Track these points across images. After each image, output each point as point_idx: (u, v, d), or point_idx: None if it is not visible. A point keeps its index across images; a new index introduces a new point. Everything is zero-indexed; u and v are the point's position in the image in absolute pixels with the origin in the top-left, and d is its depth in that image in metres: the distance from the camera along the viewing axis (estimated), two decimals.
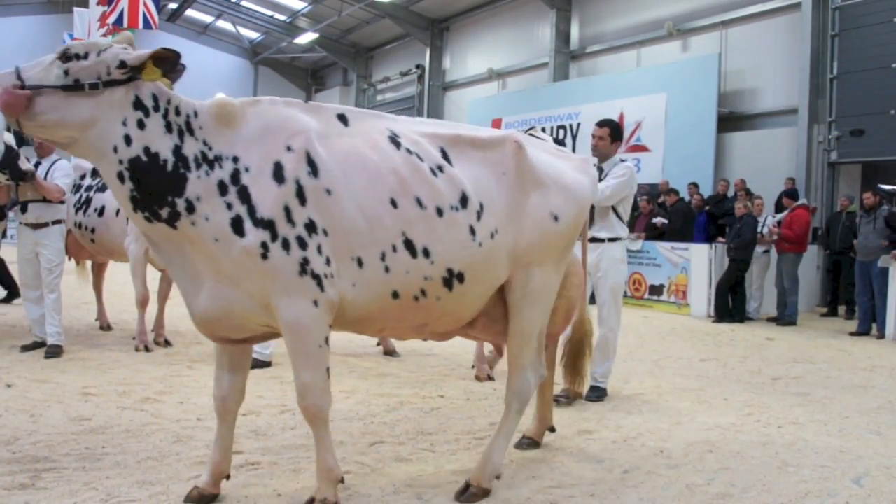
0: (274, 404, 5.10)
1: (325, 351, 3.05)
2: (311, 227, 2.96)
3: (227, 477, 3.45)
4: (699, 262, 11.63)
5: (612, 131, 5.72)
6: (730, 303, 11.09)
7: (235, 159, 2.98)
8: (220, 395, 3.39)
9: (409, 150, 3.24)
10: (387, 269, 3.09)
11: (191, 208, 2.94)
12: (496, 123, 20.44)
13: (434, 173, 3.25)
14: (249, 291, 2.97)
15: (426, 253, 3.17)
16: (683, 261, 11.83)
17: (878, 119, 12.80)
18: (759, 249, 11.25)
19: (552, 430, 4.44)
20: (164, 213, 2.94)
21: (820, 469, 4.17)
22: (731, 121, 15.32)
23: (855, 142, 13.25)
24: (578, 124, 17.73)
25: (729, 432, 4.87)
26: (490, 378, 6.15)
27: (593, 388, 5.57)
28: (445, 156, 3.36)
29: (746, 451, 4.44)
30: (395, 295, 3.15)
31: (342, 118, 3.23)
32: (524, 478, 3.83)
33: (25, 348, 6.52)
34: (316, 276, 2.95)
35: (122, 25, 13.11)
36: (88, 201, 7.14)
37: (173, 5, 27.52)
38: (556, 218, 3.56)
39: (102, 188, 7.11)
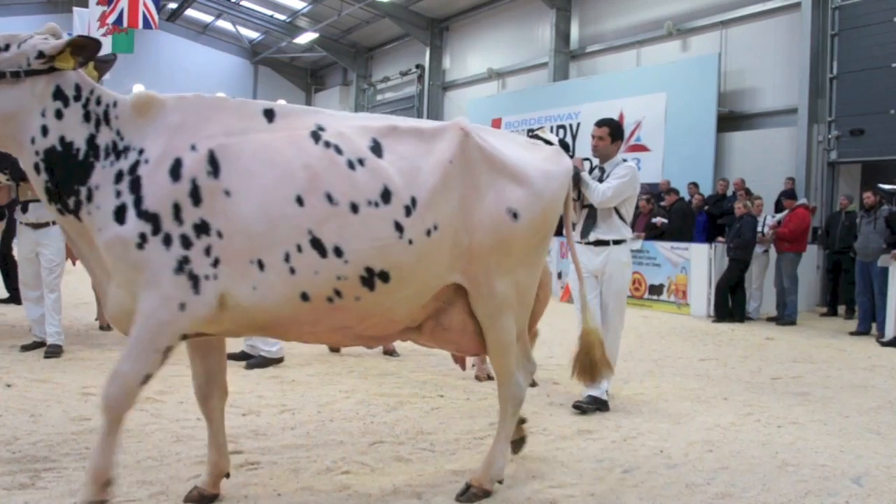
0: (274, 404, 5.10)
1: (158, 358, 2.87)
2: (201, 227, 2.85)
3: (227, 475, 3.44)
4: (699, 262, 11.64)
5: (612, 130, 5.61)
6: (730, 303, 11.09)
7: (141, 151, 2.90)
8: (202, 396, 3.38)
9: (327, 144, 3.06)
10: (292, 271, 2.92)
11: (90, 197, 2.88)
12: (496, 123, 20.44)
13: (352, 167, 3.05)
14: (125, 284, 2.87)
15: (338, 251, 2.97)
16: (683, 260, 11.83)
17: (878, 119, 12.80)
18: (758, 249, 11.25)
19: (524, 440, 4.09)
20: (71, 202, 2.90)
21: (820, 468, 4.17)
22: (730, 120, 15.32)
23: (855, 141, 13.25)
24: (578, 124, 17.73)
25: (729, 432, 4.87)
26: (490, 378, 6.13)
27: (590, 398, 5.31)
28: (377, 147, 3.14)
29: (746, 451, 4.44)
30: (305, 297, 2.97)
31: (268, 114, 3.10)
32: (524, 478, 3.83)
33: (25, 348, 6.52)
34: (194, 277, 2.83)
35: (121, 25, 13.12)
36: None
37: (173, 5, 27.51)
38: (514, 215, 3.30)
39: None
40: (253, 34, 30.51)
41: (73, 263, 7.97)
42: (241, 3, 27.73)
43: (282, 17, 27.81)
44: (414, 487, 3.62)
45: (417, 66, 25.03)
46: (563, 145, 5.76)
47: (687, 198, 13.50)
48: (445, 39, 24.38)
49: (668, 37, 16.67)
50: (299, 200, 2.94)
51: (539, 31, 20.41)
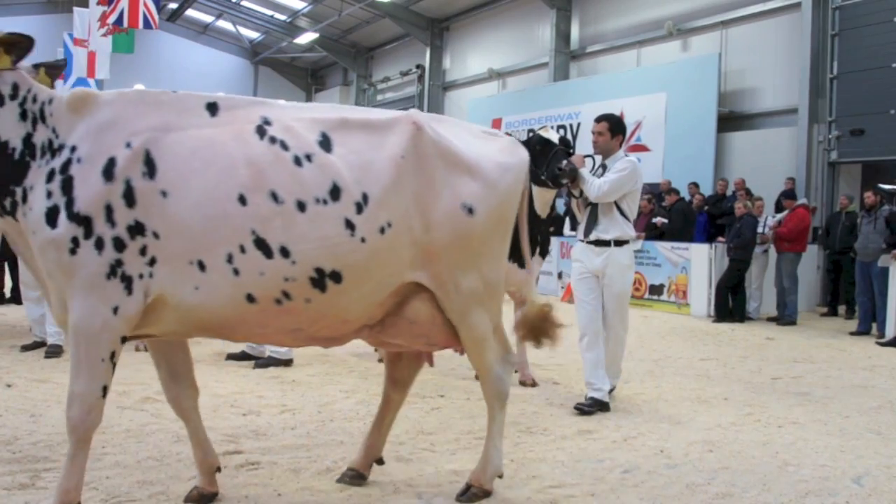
0: (274, 404, 5.10)
1: (106, 367, 2.85)
2: (136, 229, 2.76)
3: (219, 469, 3.43)
4: (699, 262, 11.63)
5: (612, 125, 5.47)
6: (730, 303, 11.09)
7: (73, 149, 2.80)
8: (171, 398, 3.38)
9: (273, 139, 2.93)
10: (236, 272, 2.82)
11: (24, 198, 2.81)
12: (496, 123, 20.44)
13: (299, 163, 2.92)
14: (58, 290, 2.80)
15: (284, 252, 2.85)
16: (683, 260, 11.83)
17: (878, 119, 12.80)
18: (757, 249, 11.25)
19: (380, 461, 3.75)
20: (8, 203, 2.83)
21: (820, 468, 4.17)
22: (731, 120, 15.31)
23: (855, 141, 13.25)
24: (579, 124, 17.72)
25: (729, 432, 4.87)
26: (534, 384, 6.07)
27: (591, 400, 5.24)
28: (326, 142, 3.01)
29: (746, 451, 4.44)
30: (251, 298, 2.86)
31: (211, 107, 2.98)
32: (524, 478, 3.83)
33: (25, 348, 6.52)
34: (127, 279, 2.75)
35: (122, 25, 13.11)
36: None
37: (173, 5, 27.51)
38: (470, 210, 3.16)
39: None
40: (253, 34, 30.52)
41: None
42: (242, 3, 27.73)
43: (282, 17, 27.81)
44: (414, 487, 3.62)
45: (418, 67, 25.04)
46: (565, 143, 5.75)
47: (687, 198, 13.50)
48: (446, 39, 24.38)
49: (668, 37, 16.66)
50: (242, 199, 2.83)
51: (539, 31, 20.41)
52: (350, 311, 3.07)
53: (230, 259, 2.82)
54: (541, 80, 20.03)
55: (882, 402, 5.97)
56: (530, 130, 18.16)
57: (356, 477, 3.63)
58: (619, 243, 5.31)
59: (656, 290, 12.18)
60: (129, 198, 2.76)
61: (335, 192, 2.94)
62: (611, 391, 5.46)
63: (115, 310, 2.77)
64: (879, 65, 12.73)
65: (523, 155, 3.50)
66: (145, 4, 12.82)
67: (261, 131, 2.95)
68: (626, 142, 16.46)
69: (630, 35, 17.73)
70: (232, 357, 6.61)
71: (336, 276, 2.94)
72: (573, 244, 12.81)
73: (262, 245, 2.84)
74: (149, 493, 3.39)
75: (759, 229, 11.14)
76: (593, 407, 5.23)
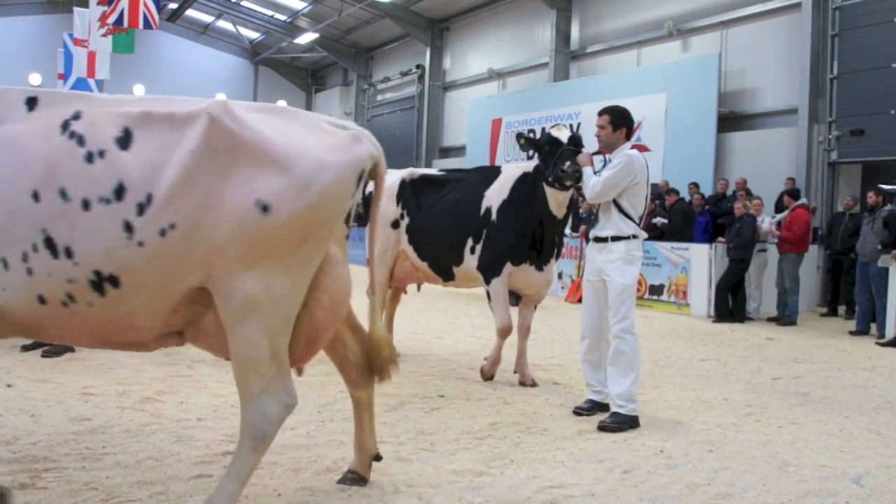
0: None
1: None
2: None
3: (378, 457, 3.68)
4: (699, 262, 11.63)
5: (613, 118, 5.18)
6: (730, 303, 11.09)
7: None
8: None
9: (72, 134, 2.80)
10: (29, 271, 2.73)
11: None
12: (496, 123, 20.47)
13: (90, 160, 2.77)
14: None
15: (68, 252, 2.73)
16: (683, 261, 11.83)
17: (879, 119, 12.80)
18: (755, 249, 11.25)
19: (378, 458, 3.68)
20: None
21: (820, 469, 4.17)
22: (731, 121, 15.31)
23: (855, 142, 13.25)
24: (579, 124, 17.69)
25: (729, 432, 4.87)
26: (534, 384, 6.01)
27: (613, 414, 4.91)
28: (126, 137, 2.82)
29: (746, 451, 4.44)
30: (42, 300, 2.77)
31: (30, 102, 2.91)
32: (524, 478, 3.83)
33: (25, 348, 6.52)
34: None
35: (122, 25, 13.12)
36: None
37: (173, 5, 27.54)
38: (265, 208, 2.79)
39: None
40: (253, 34, 30.53)
41: None
42: (242, 3, 27.75)
43: (282, 17, 27.83)
44: (414, 487, 3.62)
45: (418, 67, 25.04)
46: (575, 141, 5.58)
47: (687, 198, 13.49)
48: (446, 39, 24.38)
49: (668, 37, 16.66)
50: (35, 196, 2.74)
51: (539, 31, 20.41)
52: (137, 317, 2.88)
53: (25, 258, 2.75)
54: (541, 80, 20.03)
55: (882, 403, 5.97)
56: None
57: (357, 479, 3.61)
58: (616, 239, 5.07)
59: (656, 290, 12.18)
60: None
61: (119, 192, 2.76)
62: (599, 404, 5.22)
63: None
64: (879, 65, 12.73)
65: (359, 152, 3.03)
66: (145, 4, 12.83)
67: (65, 126, 2.84)
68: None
69: (630, 35, 17.73)
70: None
71: (114, 281, 2.78)
72: (574, 244, 12.86)
73: (50, 244, 2.74)
74: (149, 493, 3.39)
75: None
76: (592, 410, 5.18)
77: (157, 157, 2.80)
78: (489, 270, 6.03)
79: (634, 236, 5.09)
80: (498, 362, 6.16)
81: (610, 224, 5.10)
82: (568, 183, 5.48)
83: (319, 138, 2.99)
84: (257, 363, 2.91)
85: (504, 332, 6.07)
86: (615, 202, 5.08)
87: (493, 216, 6.05)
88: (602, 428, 4.79)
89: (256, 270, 2.83)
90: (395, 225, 6.74)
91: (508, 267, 5.95)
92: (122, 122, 2.86)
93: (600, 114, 5.29)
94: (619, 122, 5.20)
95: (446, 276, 6.51)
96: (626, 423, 4.81)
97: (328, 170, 2.90)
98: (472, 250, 6.17)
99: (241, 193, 2.81)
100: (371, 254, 3.42)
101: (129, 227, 2.75)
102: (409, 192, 6.70)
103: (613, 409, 4.93)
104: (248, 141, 2.85)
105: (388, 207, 6.75)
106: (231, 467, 3.02)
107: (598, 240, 5.16)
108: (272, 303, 2.87)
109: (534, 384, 6.02)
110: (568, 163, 5.35)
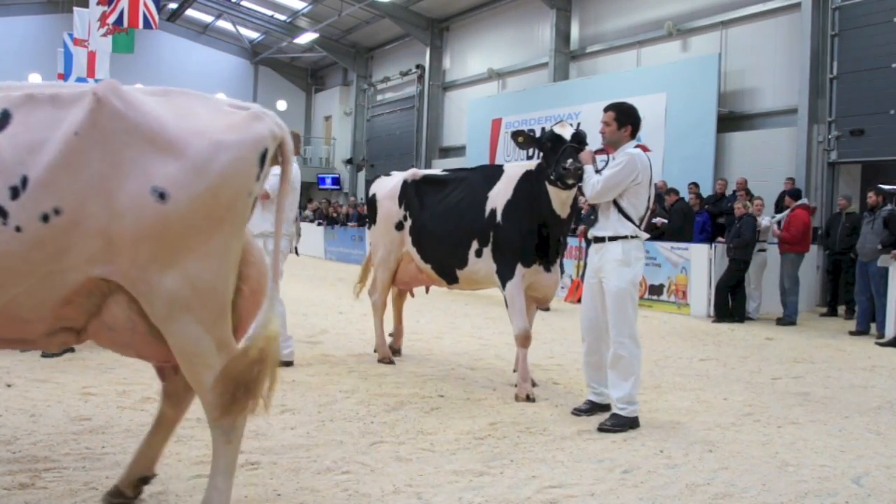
0: (274, 404, 5.08)
1: None
2: None
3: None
4: (699, 262, 11.63)
5: (618, 115, 5.06)
6: (729, 303, 11.09)
7: None
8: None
9: None
10: None
11: None
12: (496, 123, 20.47)
13: None
14: None
15: None
16: (683, 261, 11.83)
17: (878, 119, 12.79)
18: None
19: (146, 481, 3.35)
20: None
21: (820, 469, 4.17)
22: (730, 121, 15.31)
23: (855, 142, 13.25)
24: (578, 124, 17.68)
25: (729, 432, 4.87)
26: (530, 399, 5.57)
27: (612, 416, 4.86)
28: (3, 118, 2.65)
29: (746, 451, 4.45)
30: None
31: None
32: (524, 478, 3.83)
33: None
34: None
35: (122, 25, 13.12)
36: None
37: (173, 5, 27.55)
38: (161, 195, 2.64)
39: None
40: (253, 34, 30.55)
41: None
42: (242, 3, 27.77)
43: (282, 17, 27.84)
44: (414, 487, 3.62)
45: (417, 67, 25.04)
46: (579, 139, 5.40)
47: (687, 198, 13.49)
48: (445, 39, 24.38)
49: (668, 37, 16.67)
50: None
51: (539, 31, 20.41)
52: (22, 308, 2.71)
53: None
54: (541, 80, 20.04)
55: (882, 403, 5.97)
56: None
57: (116, 495, 3.25)
58: (614, 240, 4.93)
59: (656, 290, 12.18)
60: None
61: None
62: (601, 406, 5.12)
63: None
64: (879, 65, 12.72)
65: (259, 130, 2.83)
66: (145, 4, 12.83)
67: None
68: None
69: (630, 35, 17.74)
70: None
71: None
72: (573, 244, 12.84)
73: None
74: (148, 492, 3.39)
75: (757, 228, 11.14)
76: (591, 411, 5.13)
77: (34, 137, 2.63)
78: (502, 274, 5.81)
79: (633, 237, 4.95)
80: (527, 379, 5.69)
81: (608, 224, 4.99)
82: (570, 181, 5.30)
83: (216, 119, 2.83)
84: (203, 356, 2.81)
85: (523, 341, 5.72)
86: (615, 202, 4.95)
87: (499, 218, 5.86)
88: (602, 429, 4.75)
89: (172, 264, 2.71)
90: (399, 227, 6.66)
91: (521, 269, 5.72)
92: (2, 104, 2.68)
93: (605, 110, 5.17)
94: (623, 119, 5.07)
95: (450, 279, 6.35)
96: (626, 424, 4.78)
97: (226, 150, 2.75)
98: (478, 253, 5.99)
99: (137, 181, 2.66)
100: (276, 252, 3.18)
101: (2, 213, 2.56)
102: (412, 193, 6.60)
103: (614, 410, 4.88)
104: (139, 123, 2.69)
105: (391, 208, 6.70)
106: (214, 466, 2.97)
107: (596, 240, 5.07)
108: (200, 297, 2.76)
109: (533, 384, 5.82)
110: (570, 160, 5.18)
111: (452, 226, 6.19)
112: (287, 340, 6.45)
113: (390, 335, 7.18)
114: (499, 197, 5.93)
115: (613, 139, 5.09)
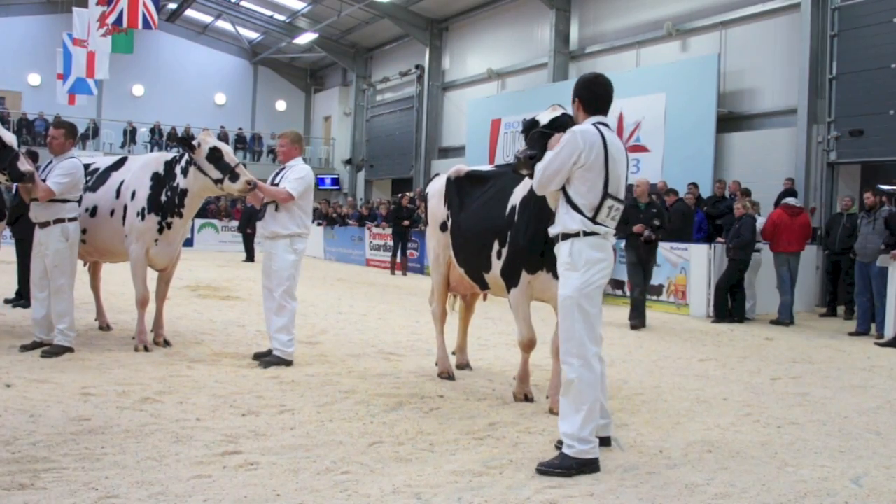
0: (273, 404, 5.09)
1: None
2: None
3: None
4: (698, 263, 11.63)
5: (575, 89, 4.24)
6: (729, 303, 11.09)
7: None
8: None
9: None
10: None
11: None
12: (495, 124, 20.47)
13: None
14: None
15: None
16: (683, 261, 11.83)
17: (878, 119, 12.80)
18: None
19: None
20: None
21: (819, 469, 4.17)
22: (730, 121, 15.32)
23: (854, 142, 13.26)
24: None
25: (728, 432, 4.87)
26: (528, 399, 5.49)
27: (560, 455, 3.96)
28: None
29: (746, 451, 4.45)
30: None
31: None
32: (524, 478, 3.83)
33: (24, 348, 6.51)
34: None
35: (121, 25, 13.14)
36: (79, 201, 6.80)
37: (173, 5, 27.54)
38: None
39: (93, 188, 7.00)
40: (253, 34, 30.55)
41: (84, 264, 7.98)
42: (241, 3, 27.78)
43: (281, 17, 27.85)
44: (413, 487, 3.62)
45: (417, 67, 25.05)
46: (558, 124, 4.61)
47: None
48: (445, 40, 24.39)
49: (667, 37, 16.68)
50: None
51: (539, 31, 20.42)
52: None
53: None
54: (540, 80, 20.05)
55: (881, 403, 5.97)
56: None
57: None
58: (566, 237, 4.09)
59: (655, 290, 12.17)
60: None
61: None
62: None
63: None
64: (879, 65, 12.73)
65: None
66: (144, 4, 12.84)
67: None
68: (626, 142, 16.53)
69: (629, 35, 17.75)
70: (259, 356, 6.58)
71: None
72: None
73: None
74: (148, 493, 3.39)
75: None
76: (548, 465, 3.97)
77: None
78: (507, 280, 5.31)
79: (587, 233, 4.05)
80: (526, 381, 5.53)
81: (558, 218, 4.18)
82: (523, 171, 4.53)
83: None
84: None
85: (526, 347, 5.42)
86: (564, 191, 4.13)
87: (516, 216, 5.24)
88: (540, 470, 3.89)
89: None
90: (443, 227, 6.10)
91: (525, 276, 5.16)
92: None
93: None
94: (574, 92, 4.25)
95: (481, 284, 5.79)
96: (572, 467, 3.85)
97: None
98: (499, 255, 5.38)
99: None
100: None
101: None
102: (454, 192, 6.01)
103: (563, 448, 3.97)
104: None
105: (437, 208, 6.19)
106: None
107: (555, 240, 4.24)
108: None
109: (526, 399, 5.53)
110: (522, 148, 4.52)
111: (479, 226, 5.60)
112: (293, 339, 6.47)
113: (453, 353, 6.61)
114: (519, 192, 5.28)
115: (575, 116, 4.32)
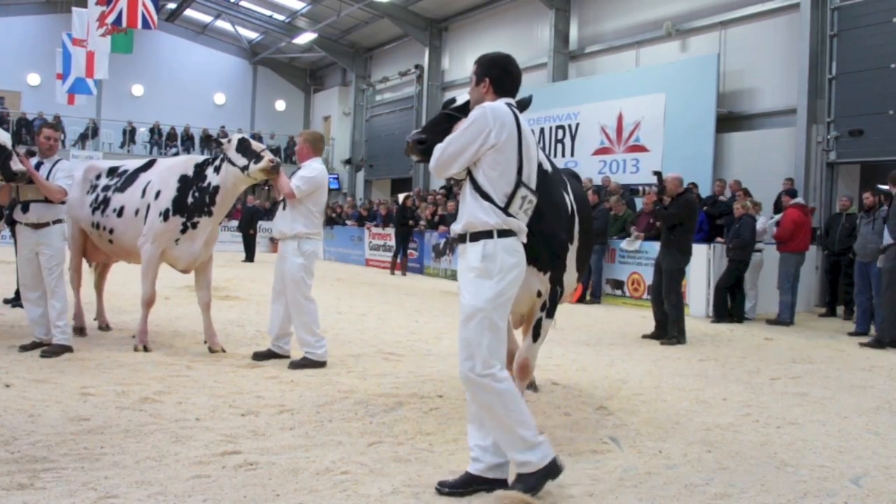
0: (272, 404, 5.09)
1: None
2: None
3: None
4: (698, 263, 11.62)
5: (477, 68, 3.82)
6: (728, 303, 11.09)
7: None
8: None
9: None
10: None
11: None
12: None
13: None
14: None
15: None
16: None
17: (877, 119, 12.80)
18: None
19: None
20: None
21: (818, 469, 4.17)
22: (729, 121, 15.33)
23: (854, 142, 13.26)
24: (577, 124, 17.73)
25: (728, 432, 4.87)
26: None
27: (518, 477, 3.52)
28: None
29: (745, 451, 4.45)
30: None
31: None
32: None
33: (24, 348, 6.51)
34: None
35: (120, 25, 13.13)
36: (107, 201, 7.00)
37: (172, 5, 27.54)
38: None
39: (121, 188, 7.05)
40: (252, 34, 30.53)
41: (90, 264, 8.01)
42: (241, 3, 27.76)
43: (281, 17, 27.84)
44: (413, 488, 3.61)
45: (416, 67, 25.05)
46: (463, 107, 3.95)
47: None
48: (444, 40, 24.39)
49: (667, 37, 16.68)
50: None
51: (538, 31, 20.41)
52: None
53: None
54: (540, 80, 20.03)
55: (881, 403, 5.97)
56: (531, 131, 18.18)
57: None
58: (475, 237, 3.46)
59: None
60: None
61: None
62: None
63: None
64: (879, 65, 12.73)
65: None
66: (144, 4, 12.83)
67: None
68: (625, 142, 16.56)
69: (629, 35, 17.75)
70: (258, 356, 6.59)
71: None
72: None
73: None
74: (147, 493, 3.39)
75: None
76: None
77: None
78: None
79: (503, 232, 3.46)
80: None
81: (464, 211, 3.53)
82: (413, 157, 3.99)
83: None
84: None
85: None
86: (471, 177, 3.52)
87: None
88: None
89: None
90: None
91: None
92: None
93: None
94: (480, 71, 3.74)
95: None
96: (536, 487, 3.47)
97: None
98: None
99: None
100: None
101: None
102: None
103: (520, 468, 3.50)
104: None
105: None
106: None
107: (457, 239, 3.59)
108: None
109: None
110: (414, 131, 3.99)
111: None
112: (321, 340, 6.49)
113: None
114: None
115: (474, 98, 3.78)
